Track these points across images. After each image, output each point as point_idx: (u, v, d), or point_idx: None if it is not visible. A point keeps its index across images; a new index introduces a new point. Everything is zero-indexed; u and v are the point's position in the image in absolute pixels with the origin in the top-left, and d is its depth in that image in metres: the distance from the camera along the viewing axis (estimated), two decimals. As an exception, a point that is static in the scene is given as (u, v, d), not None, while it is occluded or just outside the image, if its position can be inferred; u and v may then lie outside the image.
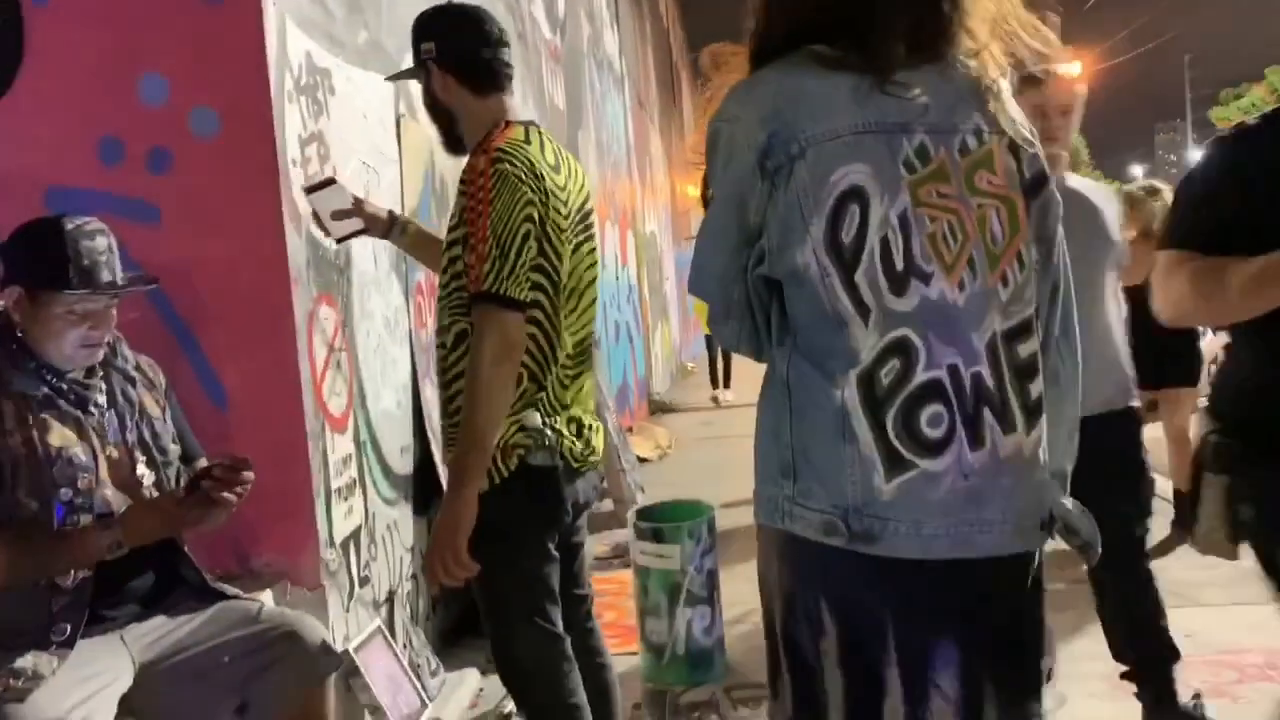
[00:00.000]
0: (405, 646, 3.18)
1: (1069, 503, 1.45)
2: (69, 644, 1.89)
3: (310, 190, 2.47)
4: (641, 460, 7.52)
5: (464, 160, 2.15)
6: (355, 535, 3.12)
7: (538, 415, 2.03)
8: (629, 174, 11.69)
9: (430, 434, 3.79)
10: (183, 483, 2.11)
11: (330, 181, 2.52)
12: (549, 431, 2.03)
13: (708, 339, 11.37)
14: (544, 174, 2.04)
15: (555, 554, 2.15)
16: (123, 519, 1.92)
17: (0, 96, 2.81)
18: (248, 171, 2.76)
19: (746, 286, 1.38)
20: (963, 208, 1.31)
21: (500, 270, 1.93)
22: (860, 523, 1.28)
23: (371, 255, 3.45)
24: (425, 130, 2.90)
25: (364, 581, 3.15)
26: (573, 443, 2.10)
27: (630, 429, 8.58)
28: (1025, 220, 1.36)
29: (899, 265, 1.28)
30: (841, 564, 1.30)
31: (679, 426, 9.80)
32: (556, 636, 2.13)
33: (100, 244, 2.05)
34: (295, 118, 2.90)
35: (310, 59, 3.04)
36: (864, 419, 1.28)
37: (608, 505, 5.80)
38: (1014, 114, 1.38)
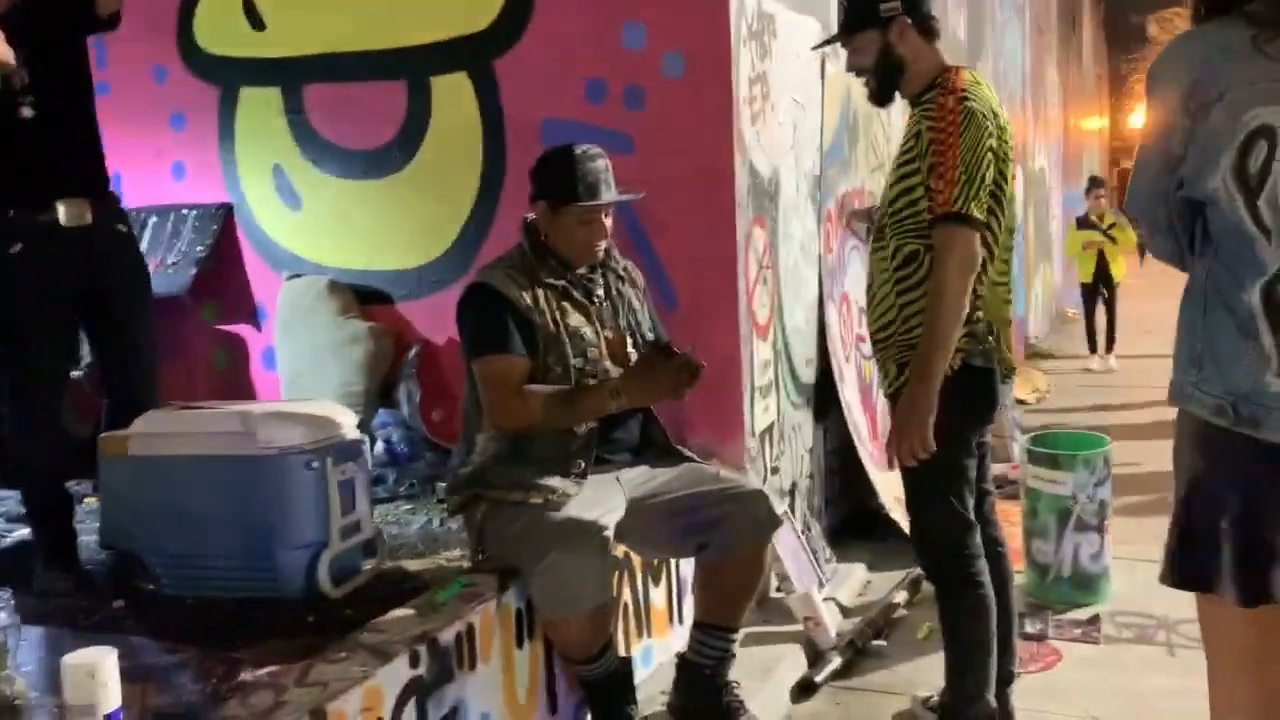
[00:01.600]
0: (805, 532, 3.59)
1: None
2: (583, 476, 2.46)
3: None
4: (1019, 402, 7.47)
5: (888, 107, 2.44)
6: (769, 430, 3.56)
7: (981, 323, 2.32)
8: (1022, 107, 11.26)
9: (831, 351, 4.14)
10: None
11: None
12: (990, 338, 2.33)
13: (1086, 293, 9.89)
14: (997, 112, 2.30)
15: (974, 449, 2.44)
16: (624, 382, 2.42)
17: (512, 45, 3.45)
18: (707, 108, 3.21)
19: (1170, 207, 1.59)
20: None
21: (967, 194, 2.23)
22: (1247, 408, 1.49)
23: (794, 183, 3.82)
24: (843, 72, 3.17)
25: (774, 471, 3.59)
26: (1003, 350, 2.39)
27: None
28: None
29: None
30: (1233, 445, 1.51)
31: (1056, 374, 9.51)
32: (970, 522, 2.44)
33: (600, 165, 2.55)
34: (747, 60, 3.31)
35: (760, 5, 3.42)
36: (1265, 322, 1.48)
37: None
38: None
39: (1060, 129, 15.98)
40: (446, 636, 2.13)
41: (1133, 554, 3.85)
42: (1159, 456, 5.71)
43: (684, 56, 3.22)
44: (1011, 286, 2.57)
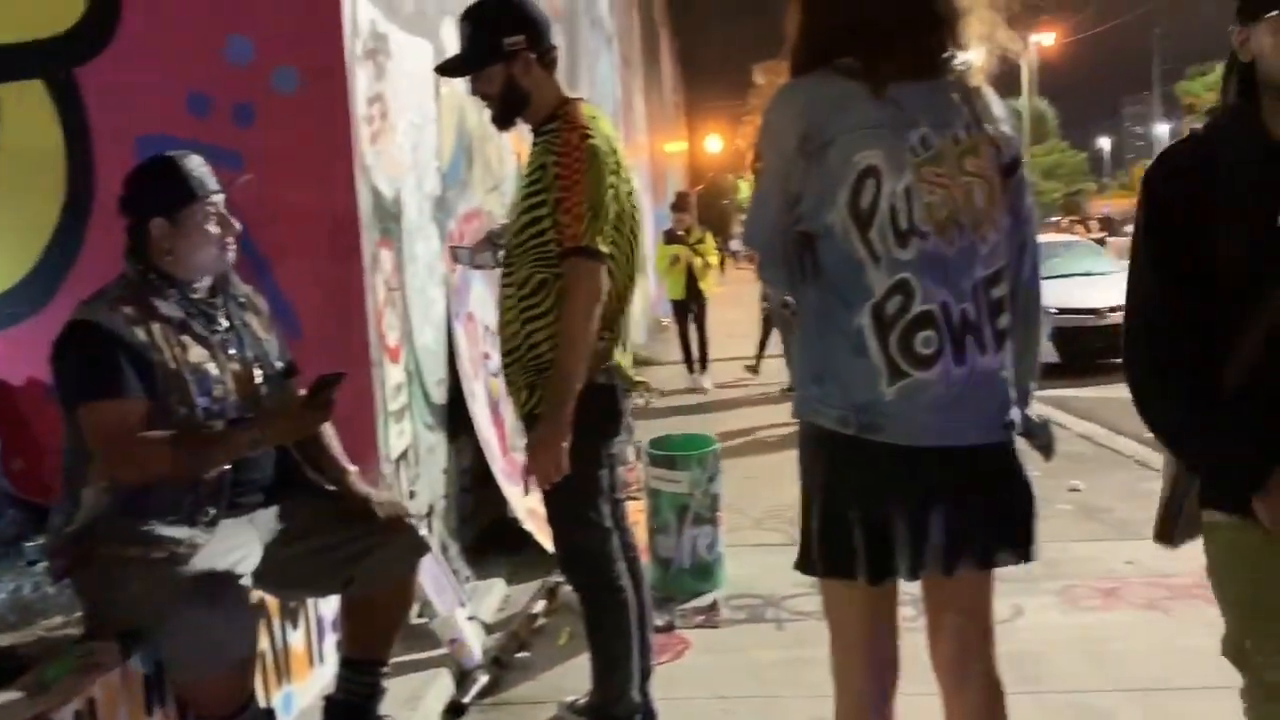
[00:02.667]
0: (444, 553, 3.58)
1: (1033, 412, 1.90)
2: (213, 523, 2.27)
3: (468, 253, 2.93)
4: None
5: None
6: (405, 454, 3.51)
7: (604, 343, 2.45)
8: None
9: (460, 370, 4.17)
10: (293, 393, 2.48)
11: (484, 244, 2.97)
12: (613, 357, 2.47)
13: (677, 309, 10.00)
14: (615, 148, 2.45)
15: (606, 461, 2.57)
16: (261, 421, 2.29)
17: (98, 52, 3.13)
18: (324, 126, 3.11)
19: (787, 239, 1.80)
20: (954, 184, 1.74)
21: (593, 228, 2.35)
22: (867, 417, 1.72)
23: (417, 204, 3.80)
24: (457, 92, 3.21)
25: (412, 495, 3.54)
26: (626, 367, 2.53)
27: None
28: (1001, 195, 1.79)
29: (903, 225, 1.71)
30: (856, 449, 1.74)
31: (657, 381, 10.21)
32: (608, 530, 2.57)
33: (196, 160, 2.41)
34: (364, 79, 3.25)
35: (374, 25, 3.38)
36: (874, 339, 1.72)
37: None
38: (997, 113, 1.80)
39: (648, 152, 17.17)
40: (63, 717, 1.89)
41: (736, 540, 4.26)
42: (752, 449, 6.26)
43: (297, 72, 3.10)
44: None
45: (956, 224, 1.73)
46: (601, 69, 10.95)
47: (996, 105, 1.82)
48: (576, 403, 2.37)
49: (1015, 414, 1.82)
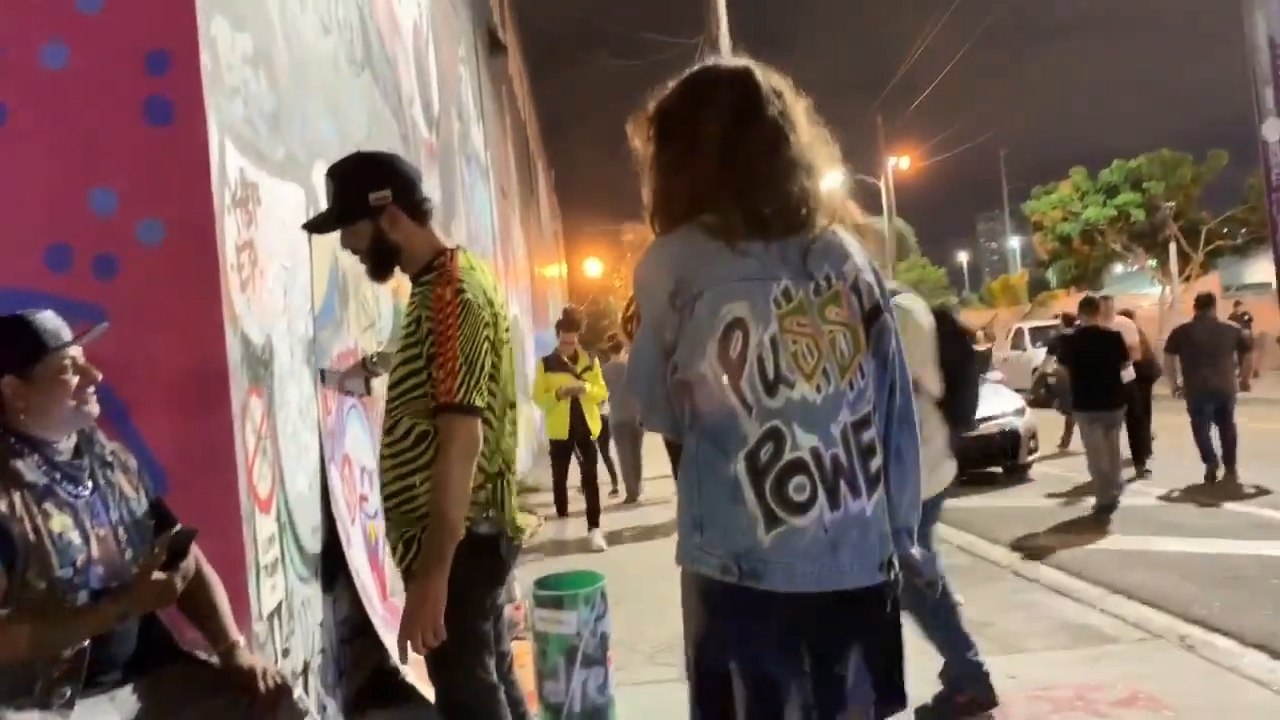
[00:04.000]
0: (321, 713, 3.40)
1: (916, 551, 1.94)
2: (69, 705, 2.12)
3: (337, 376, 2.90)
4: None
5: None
6: (278, 609, 3.36)
7: (485, 490, 2.42)
8: (494, 261, 12.11)
9: (336, 515, 4.05)
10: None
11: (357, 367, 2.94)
12: (494, 505, 2.44)
13: (556, 451, 8.69)
14: (492, 299, 2.47)
15: (490, 612, 2.52)
16: (128, 592, 2.16)
17: (-51, 204, 3.02)
18: (190, 277, 3.05)
19: (666, 387, 1.84)
20: (817, 333, 1.81)
21: (468, 384, 2.34)
22: (747, 564, 1.74)
23: (288, 348, 3.74)
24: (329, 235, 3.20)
25: (286, 653, 3.38)
26: (510, 515, 2.50)
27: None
28: (865, 341, 1.86)
29: (770, 375, 1.77)
30: (738, 598, 1.75)
31: (543, 507, 10.09)
32: (494, 685, 2.49)
33: (47, 314, 2.34)
34: (233, 227, 3.22)
35: (243, 174, 3.36)
36: (749, 487, 1.76)
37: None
38: (859, 262, 1.89)
39: (528, 277, 17.36)
40: None
41: (629, 679, 4.17)
42: (641, 582, 6.19)
43: (163, 223, 3.05)
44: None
45: (822, 371, 1.80)
46: (479, 201, 11.10)
47: (857, 255, 1.91)
48: (458, 554, 2.32)
49: (893, 555, 1.87)
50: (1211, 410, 9.47)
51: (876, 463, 1.85)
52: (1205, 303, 9.96)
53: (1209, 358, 9.60)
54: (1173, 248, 31.70)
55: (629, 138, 1.98)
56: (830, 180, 1.97)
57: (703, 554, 1.78)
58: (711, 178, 1.83)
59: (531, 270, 18.94)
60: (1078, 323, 9.83)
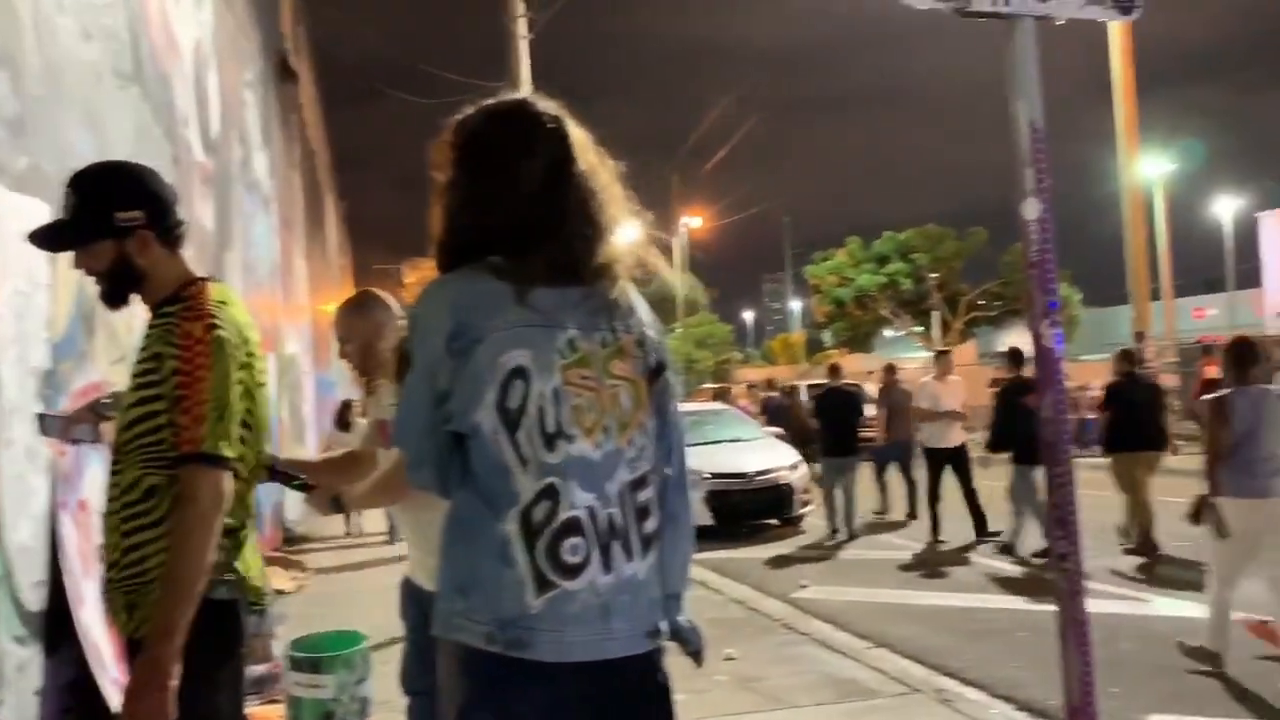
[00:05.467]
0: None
1: (684, 619, 1.88)
2: None
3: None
4: (279, 593, 7.32)
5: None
6: (-15, 678, 2.95)
7: (222, 553, 2.15)
8: (272, 295, 11.52)
9: (65, 569, 3.63)
10: None
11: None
12: (233, 568, 2.18)
13: None
14: (248, 337, 2.24)
15: (228, 684, 2.26)
16: None
17: None
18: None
19: (437, 440, 1.71)
20: (600, 387, 1.74)
21: (217, 431, 2.08)
22: (514, 633, 1.63)
23: (17, 380, 3.34)
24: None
25: (-10, 728, 2.97)
26: (252, 578, 2.25)
27: (268, 560, 8.30)
28: (648, 398, 1.80)
29: (551, 428, 1.68)
30: (502, 669, 1.64)
31: (316, 558, 9.59)
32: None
33: None
34: (-47, 243, 2.85)
35: (-29, 184, 3.00)
36: (521, 548, 1.65)
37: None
38: (644, 318, 1.84)
39: (310, 314, 16.65)
40: None
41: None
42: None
43: None
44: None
45: (603, 428, 1.72)
46: (258, 231, 10.55)
47: (642, 310, 1.86)
48: (192, 624, 2.07)
49: (663, 624, 1.80)
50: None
51: (651, 525, 1.78)
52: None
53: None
54: (935, 315, 34.06)
55: (428, 162, 1.85)
56: (626, 235, 1.91)
57: (466, 622, 1.66)
58: (518, 217, 1.73)
59: (314, 306, 18.19)
60: (824, 384, 11.56)
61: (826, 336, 44.76)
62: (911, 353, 38.97)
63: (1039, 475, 8.59)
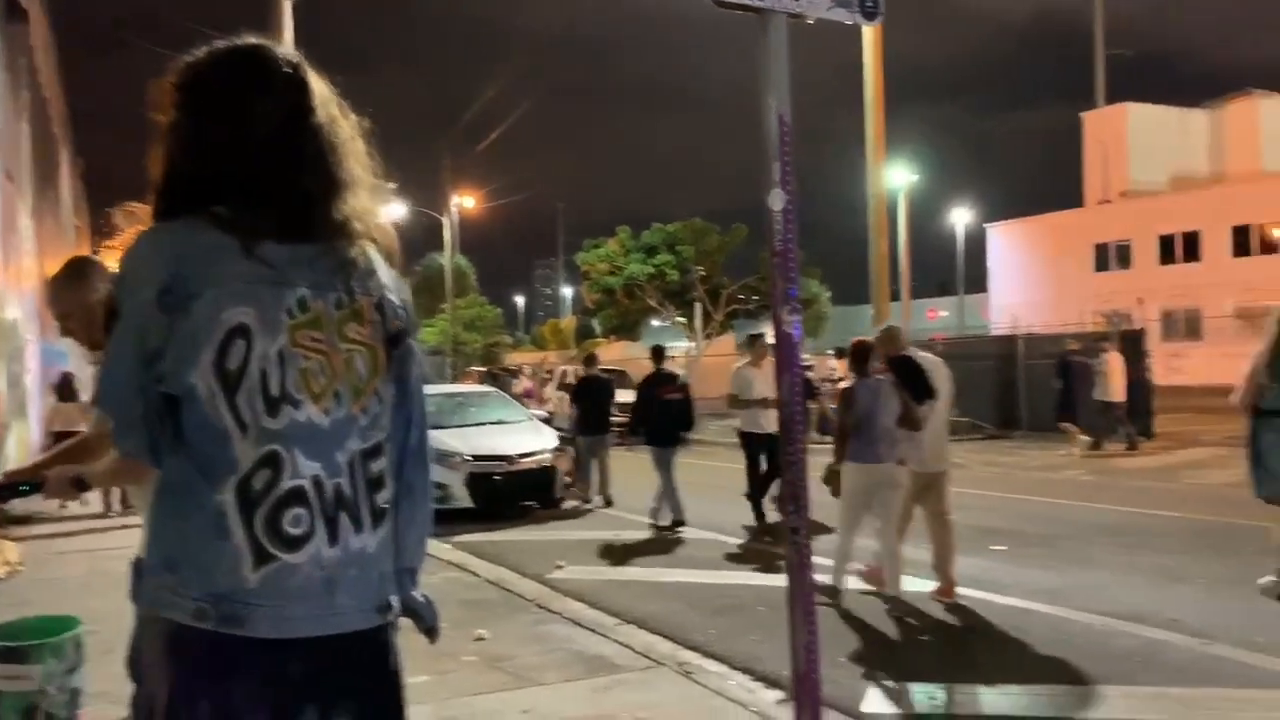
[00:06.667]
0: None
1: (419, 594, 1.84)
2: None
3: None
4: (-12, 578, 6.66)
5: None
6: None
7: None
8: (-10, 253, 10.42)
9: None
10: None
11: None
12: None
13: None
14: None
15: None
16: None
17: None
18: None
19: (147, 401, 1.58)
20: (333, 350, 1.66)
21: None
22: (228, 608, 1.54)
23: None
24: None
25: None
26: None
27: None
28: (386, 364, 1.74)
29: (274, 391, 1.59)
30: (214, 647, 1.54)
31: (35, 540, 8.78)
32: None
33: None
34: None
35: None
36: (238, 519, 1.56)
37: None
38: (385, 281, 1.77)
39: (36, 278, 15.21)
40: None
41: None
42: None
43: None
44: None
45: (334, 393, 1.65)
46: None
47: (384, 273, 1.79)
48: None
49: (394, 597, 1.75)
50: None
51: (384, 497, 1.72)
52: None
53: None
54: (698, 307, 35.19)
55: (152, 104, 1.70)
56: (369, 198, 1.83)
57: (174, 596, 1.54)
58: (246, 165, 1.62)
59: (43, 269, 16.62)
60: (581, 371, 13.10)
61: (596, 324, 45.30)
62: (677, 342, 40.11)
63: (671, 456, 10.04)
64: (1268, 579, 6.12)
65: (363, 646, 1.67)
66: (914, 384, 6.42)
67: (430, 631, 1.86)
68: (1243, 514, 6.65)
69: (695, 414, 10.85)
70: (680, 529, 9.69)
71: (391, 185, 1.89)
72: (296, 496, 1.59)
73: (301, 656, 1.59)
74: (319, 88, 1.72)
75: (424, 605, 1.84)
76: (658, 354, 11.02)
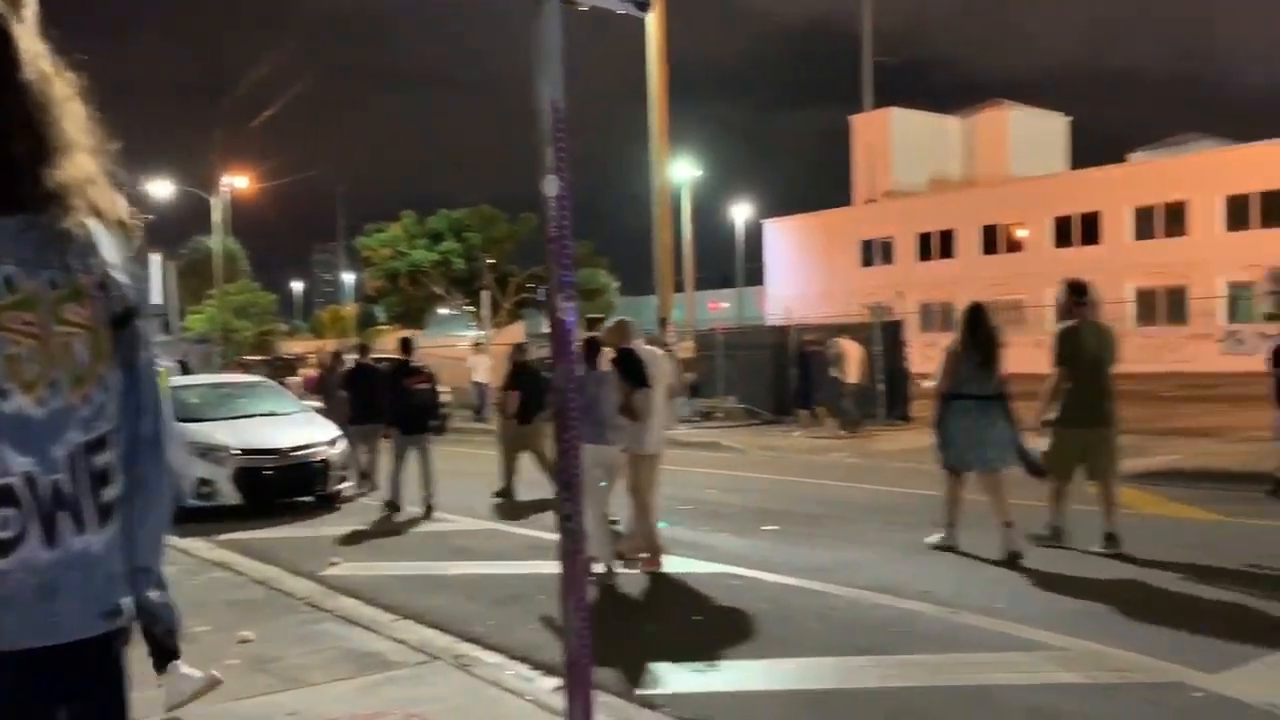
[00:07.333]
0: None
1: (153, 594, 1.70)
2: None
3: None
4: None
5: None
6: None
7: None
8: None
9: None
10: None
11: None
12: None
13: None
14: None
15: None
16: None
17: None
18: None
19: None
20: (46, 334, 1.51)
21: None
22: None
23: None
24: None
25: None
26: None
27: None
28: (110, 349, 1.60)
29: None
30: None
31: None
32: None
33: None
34: None
35: None
36: None
37: None
38: (108, 258, 1.62)
39: None
40: None
41: None
42: None
43: None
44: None
45: (49, 381, 1.49)
46: None
47: (109, 249, 1.63)
48: None
49: (125, 601, 1.61)
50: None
51: (111, 492, 1.58)
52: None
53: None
54: (486, 295, 34.88)
55: None
56: (90, 164, 1.66)
57: None
58: None
59: None
60: (355, 359, 13.25)
61: (379, 311, 44.09)
62: (464, 330, 39.60)
63: (423, 444, 10.36)
64: (935, 536, 7.39)
65: (84, 656, 1.53)
66: (631, 374, 7.14)
67: (169, 634, 1.73)
68: (980, 491, 7.23)
69: (441, 403, 11.53)
70: (398, 512, 10.02)
71: (114, 146, 1.71)
72: (5, 496, 1.44)
73: (14, 668, 1.44)
74: (27, 41, 1.55)
75: (161, 606, 1.70)
76: (405, 346, 11.16)
